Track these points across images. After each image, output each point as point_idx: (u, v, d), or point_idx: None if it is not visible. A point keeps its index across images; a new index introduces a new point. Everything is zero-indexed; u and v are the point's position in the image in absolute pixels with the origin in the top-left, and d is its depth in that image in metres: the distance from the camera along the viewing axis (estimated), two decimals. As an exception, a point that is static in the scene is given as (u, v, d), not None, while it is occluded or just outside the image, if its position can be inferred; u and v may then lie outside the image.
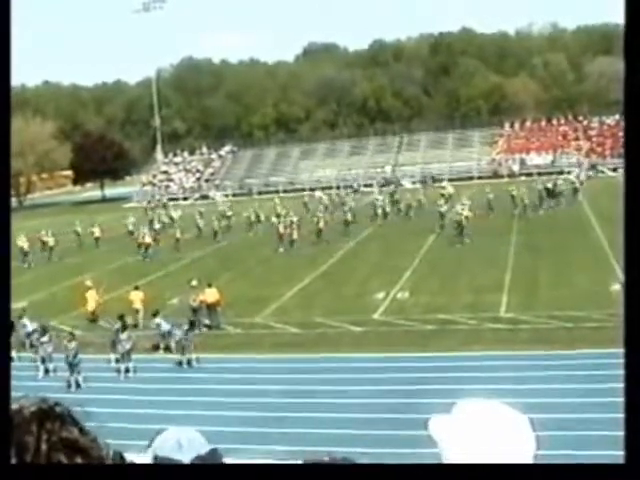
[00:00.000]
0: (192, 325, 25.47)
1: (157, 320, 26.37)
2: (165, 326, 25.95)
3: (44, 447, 1.40)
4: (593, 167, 76.75)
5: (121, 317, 25.78)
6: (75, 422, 1.46)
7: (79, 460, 1.42)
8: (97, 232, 53.57)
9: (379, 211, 54.11)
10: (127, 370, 23.99)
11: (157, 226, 52.72)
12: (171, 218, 59.43)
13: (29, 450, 1.39)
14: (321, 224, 46.94)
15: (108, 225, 58.60)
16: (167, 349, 25.81)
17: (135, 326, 28.27)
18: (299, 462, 1.80)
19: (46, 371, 24.42)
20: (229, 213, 57.83)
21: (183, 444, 1.90)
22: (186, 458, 1.88)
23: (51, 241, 50.01)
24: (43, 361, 24.51)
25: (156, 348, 26.12)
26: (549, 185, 55.16)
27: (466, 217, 43.86)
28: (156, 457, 1.90)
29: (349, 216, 50.11)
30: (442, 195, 59.33)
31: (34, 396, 1.46)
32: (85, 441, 1.45)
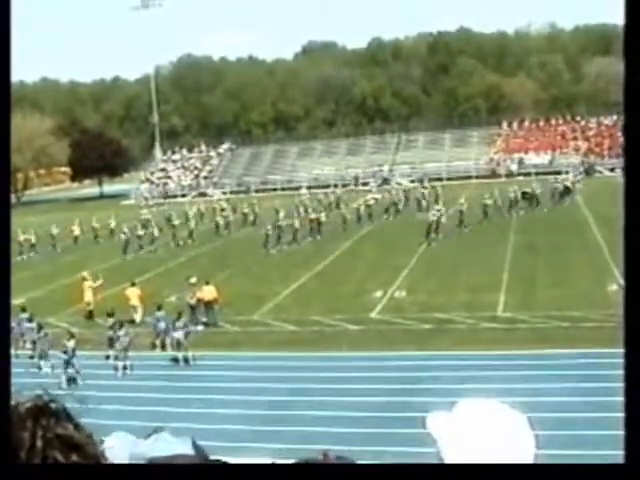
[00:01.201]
0: (187, 323, 25.50)
1: (158, 314, 26.26)
2: (162, 324, 25.87)
3: (39, 443, 1.40)
4: (591, 167, 76.78)
5: (111, 314, 25.78)
6: (70, 418, 1.46)
7: (75, 457, 1.42)
8: (77, 231, 53.27)
9: (375, 209, 54.01)
10: (124, 367, 23.97)
11: (176, 222, 52.36)
12: (186, 215, 59.04)
13: (24, 446, 1.39)
14: (296, 224, 46.62)
15: (104, 222, 58.23)
16: (163, 347, 25.80)
17: (132, 322, 28.29)
18: (296, 462, 1.79)
19: (39, 368, 24.37)
20: (245, 210, 58.02)
21: (170, 440, 1.90)
22: (187, 449, 1.87)
23: (33, 238, 50.06)
24: (40, 357, 24.49)
25: (153, 346, 26.07)
26: (556, 186, 55.01)
27: (437, 221, 43.95)
28: (156, 460, 1.88)
29: (322, 216, 49.76)
30: (422, 195, 58.75)
31: (30, 392, 1.46)
32: (81, 437, 1.44)
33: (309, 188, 79.30)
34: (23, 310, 27.34)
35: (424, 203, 56.23)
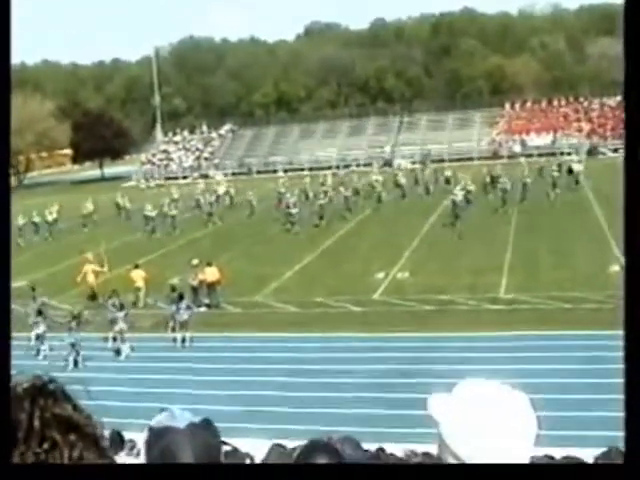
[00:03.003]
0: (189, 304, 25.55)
1: (174, 295, 26.19)
2: (172, 307, 25.66)
3: (37, 424, 1.40)
4: (594, 148, 76.54)
5: (114, 292, 25.75)
6: (69, 399, 1.46)
7: (73, 437, 1.41)
8: (55, 214, 51.99)
9: (378, 190, 53.82)
10: (125, 349, 23.98)
11: (209, 199, 51.95)
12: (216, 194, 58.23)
13: (22, 427, 1.39)
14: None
15: (105, 205, 58.14)
16: (172, 329, 25.55)
17: (134, 304, 28.34)
18: (295, 462, 1.81)
19: (37, 351, 24.38)
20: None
21: (176, 415, 1.93)
22: (181, 425, 1.90)
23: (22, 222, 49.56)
24: (41, 340, 24.52)
25: (164, 327, 25.81)
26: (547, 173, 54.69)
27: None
28: (151, 429, 1.92)
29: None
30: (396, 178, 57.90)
31: (28, 373, 1.46)
32: (79, 417, 1.44)
33: (310, 170, 79.30)
34: (33, 290, 27.60)
35: (428, 185, 56.19)
